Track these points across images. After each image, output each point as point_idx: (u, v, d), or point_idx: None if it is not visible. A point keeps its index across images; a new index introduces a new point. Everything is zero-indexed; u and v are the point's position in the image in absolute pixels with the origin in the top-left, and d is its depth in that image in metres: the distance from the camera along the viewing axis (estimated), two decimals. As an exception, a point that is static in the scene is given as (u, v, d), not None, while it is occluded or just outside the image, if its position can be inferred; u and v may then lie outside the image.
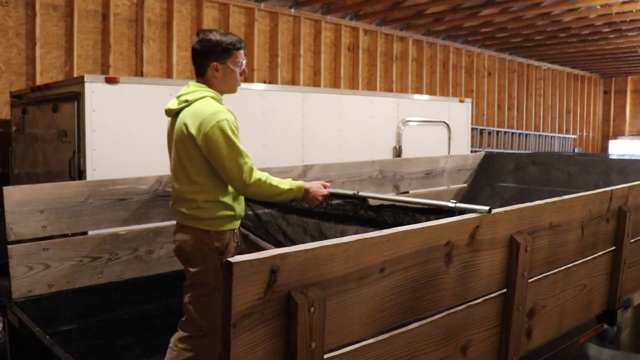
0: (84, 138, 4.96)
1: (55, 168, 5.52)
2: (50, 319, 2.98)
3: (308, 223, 2.93)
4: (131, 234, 3.30)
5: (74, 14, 7.47)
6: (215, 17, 8.99)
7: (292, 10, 9.81)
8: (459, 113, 8.25)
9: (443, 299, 1.87)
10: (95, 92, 4.93)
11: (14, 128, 6.51)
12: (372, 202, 2.71)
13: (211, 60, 2.69)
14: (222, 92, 2.77)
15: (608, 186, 2.87)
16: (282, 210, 3.02)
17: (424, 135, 7.68)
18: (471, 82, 13.52)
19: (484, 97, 13.83)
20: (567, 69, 16.83)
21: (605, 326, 3.07)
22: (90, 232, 3.28)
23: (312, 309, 1.43)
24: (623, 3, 9.56)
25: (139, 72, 8.08)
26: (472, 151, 8.29)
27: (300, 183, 2.74)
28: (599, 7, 9.86)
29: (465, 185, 5.62)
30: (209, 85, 2.72)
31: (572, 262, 2.52)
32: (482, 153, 5.95)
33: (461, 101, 8.43)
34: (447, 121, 8.00)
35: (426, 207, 2.44)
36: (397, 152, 7.35)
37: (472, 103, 10.07)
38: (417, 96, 9.48)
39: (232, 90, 2.82)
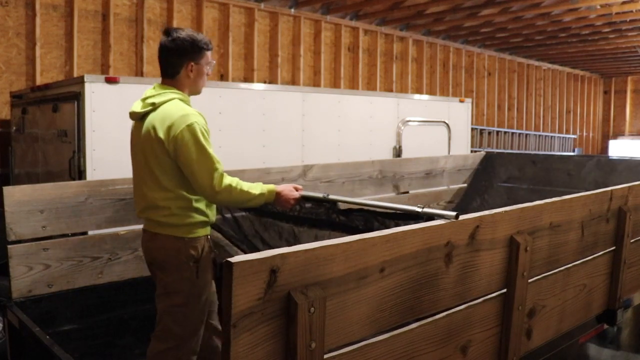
0: (84, 138, 4.96)
1: (55, 168, 5.52)
2: (50, 319, 2.99)
3: (283, 227, 2.90)
4: (131, 234, 3.29)
5: (74, 14, 7.47)
6: (215, 17, 8.99)
7: (292, 10, 9.82)
8: (459, 113, 8.25)
9: (443, 299, 1.87)
10: (95, 92, 4.93)
11: (14, 128, 6.51)
12: (342, 206, 2.70)
13: (187, 60, 2.58)
14: (190, 94, 2.67)
15: (608, 186, 2.86)
16: (258, 214, 2.97)
17: (424, 135, 7.68)
18: (471, 82, 13.52)
19: (484, 97, 13.83)
20: (567, 69, 16.83)
21: (605, 326, 3.07)
22: (90, 232, 3.27)
23: (312, 309, 1.43)
24: (623, 3, 9.56)
25: (139, 72, 8.08)
26: (472, 151, 8.29)
27: (271, 187, 2.66)
28: (599, 7, 9.86)
29: (465, 185, 5.62)
30: (178, 86, 2.61)
31: (572, 262, 2.52)
32: (482, 153, 5.95)
33: (461, 101, 8.43)
34: (447, 121, 8.00)
35: (393, 211, 2.41)
36: (397, 152, 7.35)
37: (472, 103, 10.07)
38: (417, 96, 9.48)
39: (199, 91, 2.72)
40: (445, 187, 5.43)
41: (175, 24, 8.30)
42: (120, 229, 3.26)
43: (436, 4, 10.13)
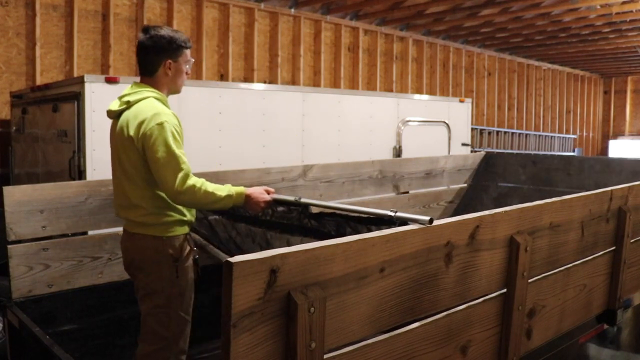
0: (84, 138, 4.96)
1: (55, 168, 5.52)
2: (50, 319, 2.98)
3: (256, 233, 2.82)
4: (131, 234, 3.28)
5: (74, 14, 7.47)
6: (215, 17, 8.99)
7: (292, 10, 9.81)
8: (459, 113, 8.25)
9: (443, 299, 1.87)
10: (95, 92, 4.93)
11: (14, 128, 6.51)
12: (314, 210, 2.62)
13: (165, 58, 2.55)
14: (168, 93, 2.64)
15: (608, 186, 2.87)
16: (231, 218, 2.91)
17: (424, 135, 7.68)
18: (471, 82, 13.52)
19: (484, 97, 13.83)
20: (567, 69, 16.84)
21: (605, 326, 3.07)
22: (90, 232, 3.27)
23: (312, 309, 1.43)
24: (623, 3, 9.56)
25: (139, 72, 8.07)
26: (472, 151, 8.28)
27: (240, 189, 2.56)
28: (599, 7, 9.86)
29: (465, 185, 5.62)
30: (156, 84, 2.59)
31: (572, 262, 2.52)
32: (482, 153, 5.95)
33: (461, 101, 8.43)
34: (447, 121, 8.00)
35: (366, 216, 2.34)
36: (397, 152, 7.35)
37: (472, 103, 10.07)
38: (417, 96, 9.48)
39: (178, 90, 2.69)
40: (445, 187, 5.43)
41: (175, 24, 8.31)
42: (120, 229, 3.24)
43: (436, 4, 10.13)
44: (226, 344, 1.33)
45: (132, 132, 2.45)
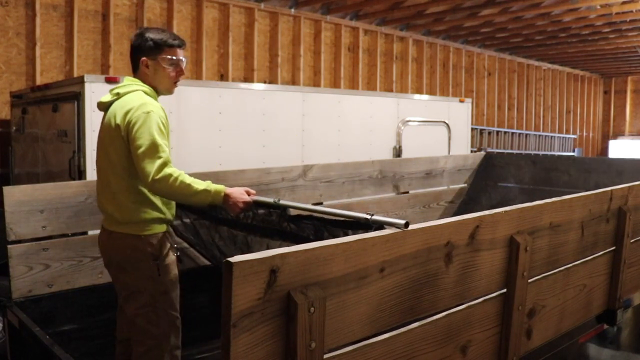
0: (84, 138, 4.96)
1: (55, 168, 5.52)
2: (50, 319, 2.98)
3: (237, 236, 2.81)
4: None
5: (74, 14, 7.47)
6: (215, 17, 8.99)
7: (292, 10, 9.81)
8: (459, 113, 8.25)
9: (443, 299, 1.87)
10: (95, 92, 4.93)
11: (14, 128, 6.51)
12: (293, 212, 2.62)
13: (141, 56, 2.61)
14: (157, 91, 2.66)
15: (608, 186, 2.87)
16: (214, 221, 2.89)
17: (424, 135, 7.69)
18: (471, 82, 13.52)
19: (484, 97, 13.83)
20: (567, 69, 16.84)
21: (605, 326, 3.07)
22: (90, 232, 3.27)
23: (312, 309, 1.43)
24: (623, 3, 9.56)
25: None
26: (472, 151, 8.29)
27: (220, 187, 2.53)
28: (599, 7, 9.87)
29: (465, 185, 5.62)
30: (143, 81, 2.64)
31: (572, 262, 2.52)
32: (482, 153, 5.95)
33: (461, 101, 8.43)
34: (447, 121, 8.01)
35: (342, 219, 2.33)
36: (397, 152, 7.35)
37: (472, 103, 10.07)
38: (417, 96, 9.48)
39: (167, 89, 2.69)
40: (445, 187, 5.43)
41: (175, 24, 8.31)
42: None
43: (436, 4, 10.13)
44: (226, 344, 1.33)
45: (119, 121, 2.49)
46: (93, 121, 4.92)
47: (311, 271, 1.46)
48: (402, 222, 1.76)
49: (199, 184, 2.47)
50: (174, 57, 2.63)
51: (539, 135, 15.26)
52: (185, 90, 5.66)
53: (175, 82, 2.69)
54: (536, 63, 15.50)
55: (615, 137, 18.68)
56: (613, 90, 18.68)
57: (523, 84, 15.05)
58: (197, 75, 8.62)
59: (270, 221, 2.64)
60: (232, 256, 1.34)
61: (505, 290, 2.13)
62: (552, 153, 14.93)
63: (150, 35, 2.61)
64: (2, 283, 3.73)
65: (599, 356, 3.55)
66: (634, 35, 12.10)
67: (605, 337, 3.56)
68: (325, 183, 4.26)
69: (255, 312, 1.36)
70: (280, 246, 2.41)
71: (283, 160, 5.67)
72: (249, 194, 2.62)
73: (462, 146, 8.19)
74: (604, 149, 18.62)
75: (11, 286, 2.90)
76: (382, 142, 7.27)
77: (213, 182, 2.54)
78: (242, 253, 2.17)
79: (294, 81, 9.91)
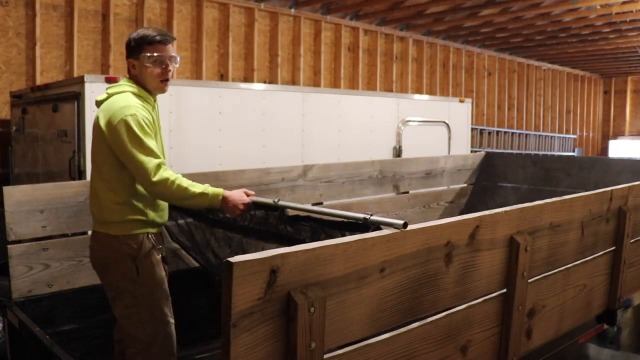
0: (84, 138, 4.96)
1: (55, 168, 5.52)
2: (50, 319, 2.98)
3: (232, 239, 2.78)
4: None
5: (74, 14, 7.47)
6: (215, 17, 8.99)
7: (292, 10, 9.82)
8: (459, 113, 8.25)
9: (443, 299, 1.87)
10: (95, 92, 4.92)
11: (14, 128, 6.51)
12: (291, 212, 2.60)
13: (127, 57, 2.61)
14: (149, 90, 2.62)
15: (608, 186, 2.86)
16: (210, 222, 2.87)
17: (424, 135, 7.69)
18: (471, 82, 13.52)
19: (484, 97, 13.83)
20: (567, 69, 16.84)
21: (605, 326, 3.07)
22: (90, 232, 3.27)
23: (312, 309, 1.43)
24: (623, 3, 9.56)
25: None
26: (472, 151, 8.29)
27: (218, 190, 2.50)
28: (599, 7, 9.87)
29: (466, 185, 5.62)
30: (135, 82, 2.61)
31: (572, 262, 2.52)
32: (482, 153, 5.95)
33: (461, 101, 8.43)
34: (447, 121, 8.00)
35: (340, 220, 2.32)
36: (397, 152, 7.35)
37: (472, 103, 10.08)
38: (417, 96, 9.48)
39: (155, 87, 2.61)
40: (445, 187, 5.43)
41: (175, 24, 8.32)
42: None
43: (436, 4, 10.13)
44: (226, 344, 1.33)
45: (102, 123, 2.50)
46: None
47: (311, 271, 1.46)
48: (401, 222, 1.75)
49: (196, 187, 2.46)
50: (156, 54, 2.54)
51: (539, 135, 15.26)
52: (185, 90, 5.66)
53: (164, 80, 2.60)
54: (536, 63, 15.50)
55: (615, 137, 18.68)
56: (613, 90, 18.68)
57: (523, 84, 15.05)
58: (197, 75, 8.62)
59: (267, 223, 2.62)
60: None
61: (505, 290, 2.12)
62: (552, 153, 14.93)
63: (132, 35, 2.60)
64: (2, 283, 3.74)
65: (599, 356, 3.55)
66: (634, 35, 12.10)
67: (605, 337, 3.56)
68: (325, 183, 4.26)
69: (256, 312, 1.36)
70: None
71: (283, 160, 5.67)
72: (247, 194, 2.60)
73: (462, 146, 8.19)
74: (604, 149, 18.62)
75: (11, 286, 2.90)
76: (382, 142, 7.27)
77: (213, 182, 2.54)
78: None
79: (294, 81, 9.91)
